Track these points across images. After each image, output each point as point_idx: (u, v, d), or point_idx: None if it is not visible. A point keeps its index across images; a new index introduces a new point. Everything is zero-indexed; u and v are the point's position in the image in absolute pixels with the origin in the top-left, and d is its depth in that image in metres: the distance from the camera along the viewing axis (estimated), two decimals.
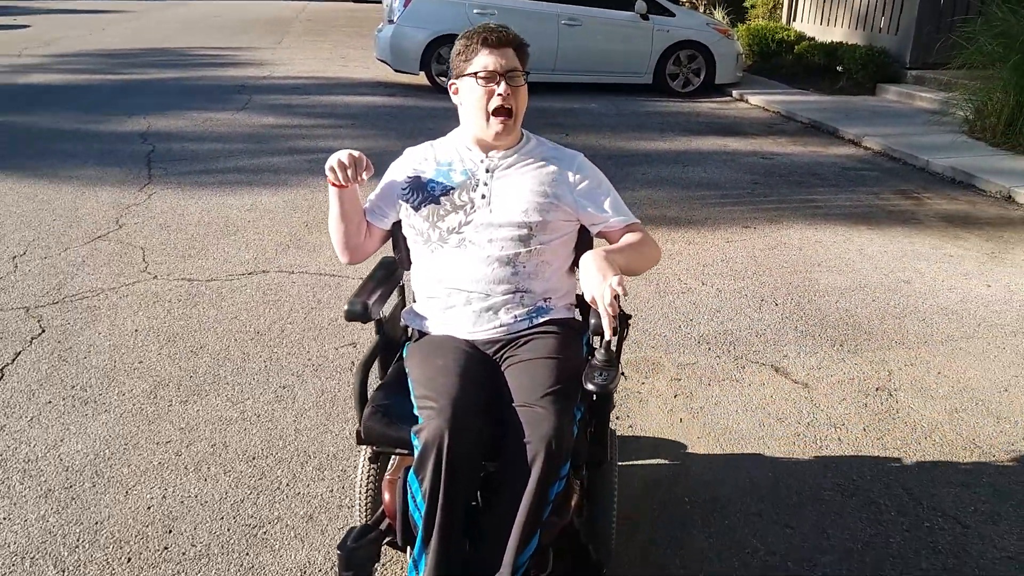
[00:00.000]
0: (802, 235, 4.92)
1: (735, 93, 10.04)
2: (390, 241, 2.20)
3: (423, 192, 2.05)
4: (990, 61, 7.28)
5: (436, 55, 9.37)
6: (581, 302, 2.14)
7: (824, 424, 2.92)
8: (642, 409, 2.98)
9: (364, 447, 2.00)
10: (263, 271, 4.14)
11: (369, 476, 2.07)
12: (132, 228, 4.69)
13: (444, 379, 1.81)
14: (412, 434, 1.74)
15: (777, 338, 3.57)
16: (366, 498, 2.07)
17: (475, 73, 1.97)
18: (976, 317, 3.83)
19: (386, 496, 1.89)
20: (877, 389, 3.17)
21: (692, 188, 5.90)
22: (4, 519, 2.33)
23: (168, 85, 9.47)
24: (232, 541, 2.27)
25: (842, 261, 4.50)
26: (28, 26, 15.77)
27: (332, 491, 2.48)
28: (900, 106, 9.20)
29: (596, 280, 1.77)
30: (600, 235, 2.10)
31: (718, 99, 9.89)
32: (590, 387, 1.74)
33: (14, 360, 3.21)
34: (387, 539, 1.88)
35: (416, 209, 2.05)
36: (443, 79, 9.42)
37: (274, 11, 20.38)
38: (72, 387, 3.03)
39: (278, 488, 2.49)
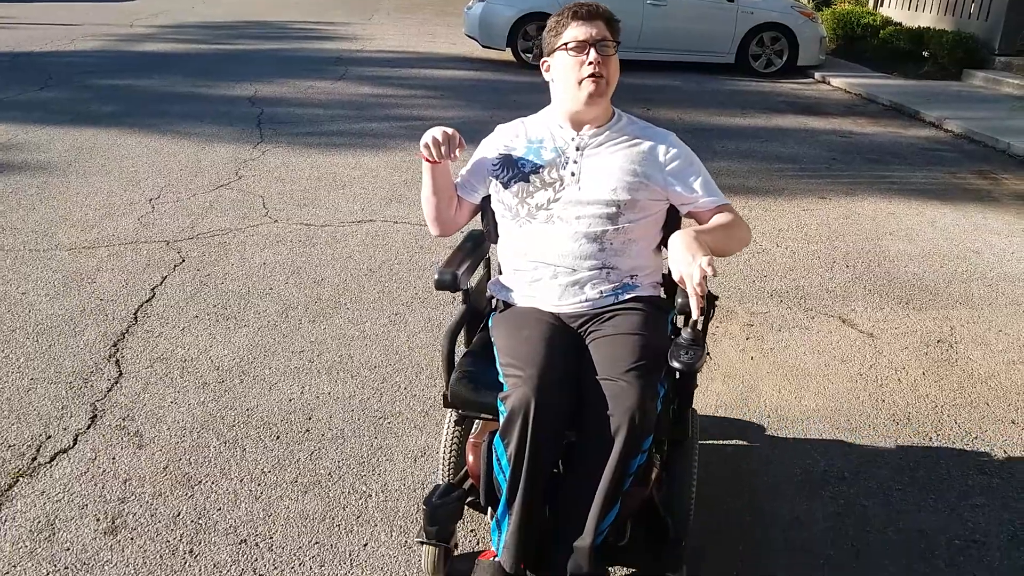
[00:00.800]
0: (876, 207, 5.11)
1: (817, 75, 10.11)
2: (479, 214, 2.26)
3: (514, 168, 2.08)
4: None
5: (523, 32, 9.71)
6: (667, 281, 2.14)
7: (885, 367, 3.18)
8: (716, 347, 3.28)
9: (450, 410, 2.07)
10: (370, 220, 4.56)
11: (453, 438, 2.13)
12: (251, 179, 5.17)
13: (530, 349, 1.85)
14: (499, 400, 1.80)
15: (846, 294, 3.82)
16: (450, 458, 2.14)
17: (565, 44, 1.99)
18: None
19: (470, 458, 2.00)
20: (939, 341, 3.41)
21: (770, 161, 6.12)
22: (172, 403, 2.78)
23: (270, 55, 10.03)
24: (362, 428, 2.67)
25: (913, 231, 4.70)
26: None
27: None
28: (985, 91, 9.16)
29: (685, 260, 1.78)
30: (689, 215, 2.11)
31: (800, 80, 9.98)
32: (676, 365, 1.78)
33: (162, 282, 3.68)
34: (470, 499, 2.00)
35: (506, 185, 2.08)
36: (528, 55, 9.78)
37: None
38: (214, 306, 3.48)
39: (397, 390, 2.89)
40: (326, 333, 3.28)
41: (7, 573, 2.05)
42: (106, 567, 2.08)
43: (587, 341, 1.94)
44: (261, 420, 2.70)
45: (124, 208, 4.59)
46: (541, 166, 2.06)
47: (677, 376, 1.91)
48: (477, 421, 2.08)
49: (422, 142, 1.99)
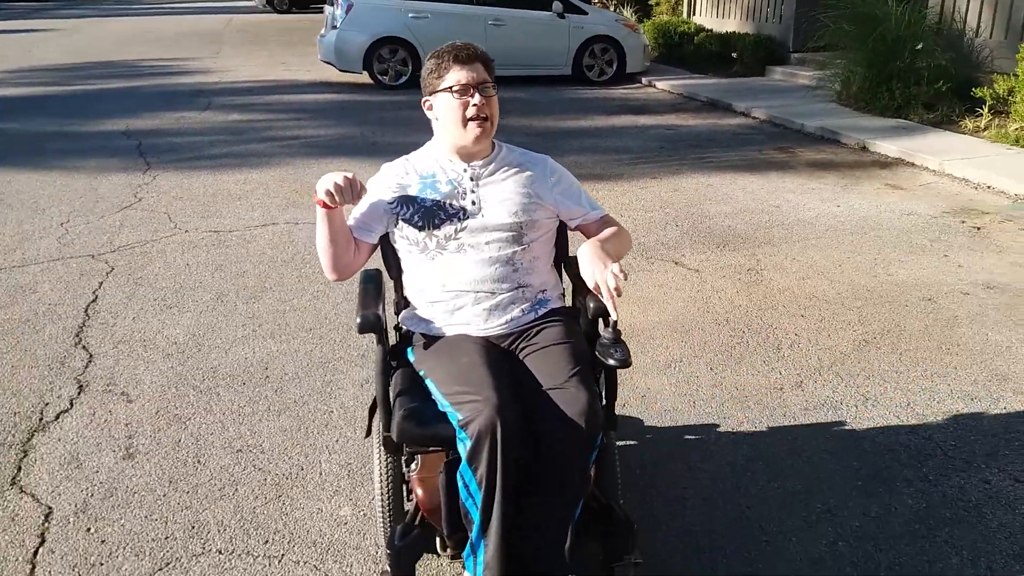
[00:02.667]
0: (697, 181, 6.16)
1: (644, 80, 11.34)
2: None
3: (413, 204, 2.14)
4: (850, 41, 8.70)
5: (377, 55, 10.42)
6: (574, 291, 2.26)
7: (709, 290, 4.12)
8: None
9: (377, 455, 2.15)
10: (273, 223, 5.15)
11: (389, 478, 2.15)
12: (150, 200, 5.63)
13: (477, 373, 1.91)
14: (459, 428, 1.83)
15: (677, 245, 4.77)
16: (389, 499, 2.16)
17: (450, 88, 2.09)
18: (825, 225, 5.11)
19: (419, 492, 2.01)
20: (748, 270, 4.39)
21: (610, 153, 7.10)
22: (144, 370, 3.33)
23: (129, 92, 10.25)
24: (312, 370, 3.32)
25: (728, 196, 5.76)
26: None
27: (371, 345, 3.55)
28: (785, 84, 10.64)
29: (598, 268, 1.95)
30: (578, 228, 2.26)
31: (630, 86, 11.16)
32: (611, 362, 1.88)
33: (100, 287, 4.16)
34: (429, 535, 2.04)
35: (409, 221, 2.14)
36: (383, 76, 10.48)
37: (201, 25, 20.95)
38: (153, 300, 4.01)
39: (334, 343, 3.55)
40: (260, 309, 3.89)
41: (53, 492, 2.58)
42: (134, 479, 2.65)
43: (522, 356, 2.04)
44: (226, 373, 3.30)
45: (39, 232, 4.97)
46: (441, 199, 2.14)
47: (604, 374, 2.05)
48: (416, 458, 2.07)
49: (321, 188, 2.02)
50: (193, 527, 2.43)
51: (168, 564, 2.28)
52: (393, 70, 10.53)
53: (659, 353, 3.46)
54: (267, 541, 2.37)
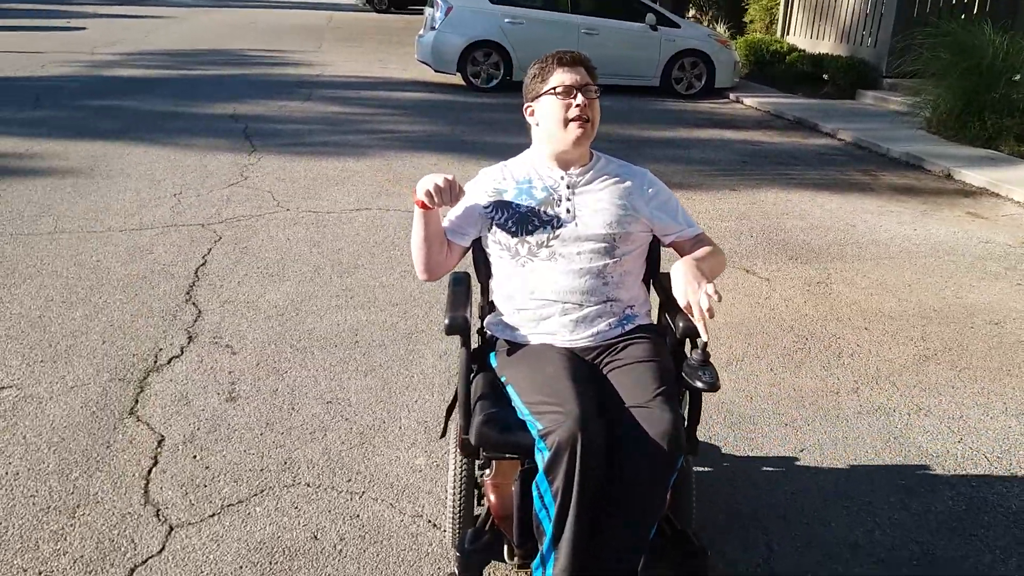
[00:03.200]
0: (776, 196, 6.27)
1: (732, 96, 11.40)
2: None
3: (508, 209, 2.14)
4: (943, 69, 8.63)
5: (471, 58, 10.76)
6: (662, 309, 2.25)
7: (777, 299, 4.26)
8: None
9: (453, 456, 2.17)
10: (367, 208, 5.49)
11: (463, 482, 2.16)
12: (255, 179, 6.04)
13: (561, 384, 1.89)
14: (539, 439, 1.83)
15: (750, 254, 4.91)
16: (460, 502, 2.17)
17: (553, 88, 2.11)
18: (899, 247, 5.17)
19: (492, 498, 2.02)
20: (818, 283, 4.51)
21: (692, 164, 7.25)
22: (248, 327, 3.67)
23: (236, 80, 10.84)
24: (397, 339, 3.61)
25: (805, 212, 5.85)
26: (84, 28, 17.15)
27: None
28: (875, 108, 10.57)
29: (692, 287, 1.92)
30: (672, 245, 2.22)
31: (717, 100, 11.24)
32: (699, 385, 1.86)
33: (209, 252, 4.54)
34: (497, 542, 2.04)
35: (502, 226, 2.14)
36: (476, 79, 10.82)
37: (303, 19, 21.79)
38: (256, 268, 4.37)
39: (418, 317, 3.82)
40: (353, 283, 4.21)
41: (165, 423, 2.92)
42: (235, 419, 2.96)
43: (606, 371, 2.03)
44: (320, 336, 3.62)
45: (154, 201, 5.42)
46: (536, 206, 2.13)
47: (688, 395, 2.05)
48: (492, 463, 2.08)
49: (421, 189, 2.02)
50: (286, 463, 2.72)
51: (263, 491, 2.58)
52: (485, 73, 10.86)
53: (722, 352, 3.63)
54: (350, 480, 2.65)
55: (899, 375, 3.48)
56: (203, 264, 4.37)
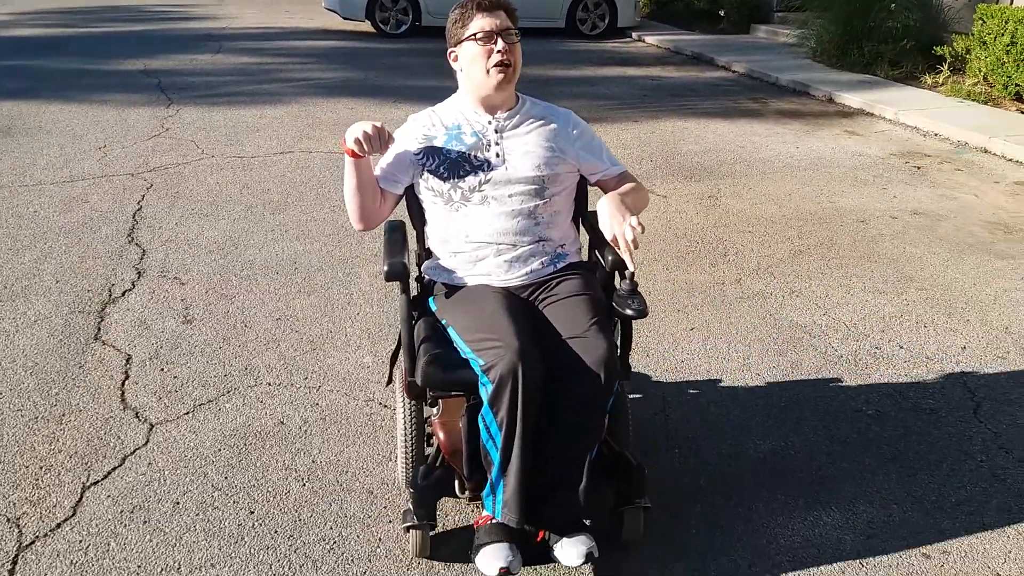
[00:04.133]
0: (674, 125, 6.76)
1: (635, 35, 11.85)
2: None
3: (439, 155, 2.17)
4: (826, 1, 9.23)
5: (379, 4, 10.89)
6: (591, 246, 2.35)
7: (673, 211, 4.76)
8: None
9: (401, 402, 2.24)
10: (290, 151, 5.75)
11: (412, 423, 2.24)
12: (177, 130, 6.20)
13: (499, 320, 1.98)
14: (481, 373, 1.92)
15: (650, 175, 5.39)
16: (411, 443, 2.25)
17: (473, 35, 2.11)
18: (782, 163, 5.73)
19: (441, 436, 2.09)
20: (709, 196, 5.02)
21: (597, 99, 7.68)
22: (192, 261, 3.95)
23: (142, 35, 10.73)
24: (335, 264, 3.95)
25: (699, 137, 6.37)
26: None
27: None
28: (767, 41, 11.18)
29: (616, 220, 2.03)
30: (598, 183, 2.29)
31: (620, 40, 11.68)
32: (629, 312, 1.97)
33: (143, 198, 4.76)
34: (448, 478, 2.12)
35: (434, 172, 2.17)
36: (385, 25, 10.96)
37: None
38: (191, 210, 4.62)
39: (351, 245, 4.16)
40: (286, 219, 4.51)
41: (130, 344, 3.22)
42: (194, 337, 3.28)
43: (541, 307, 2.12)
44: (262, 265, 3.93)
45: (80, 155, 5.56)
46: (465, 151, 2.16)
47: (620, 324, 2.18)
48: (439, 402, 2.18)
49: (350, 137, 2.04)
50: (246, 368, 3.07)
51: (229, 392, 2.93)
52: (394, 19, 11.02)
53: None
54: (307, 378, 3.02)
55: (776, 267, 4.02)
56: (139, 209, 4.60)
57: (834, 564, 2.19)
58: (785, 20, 11.55)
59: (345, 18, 11.18)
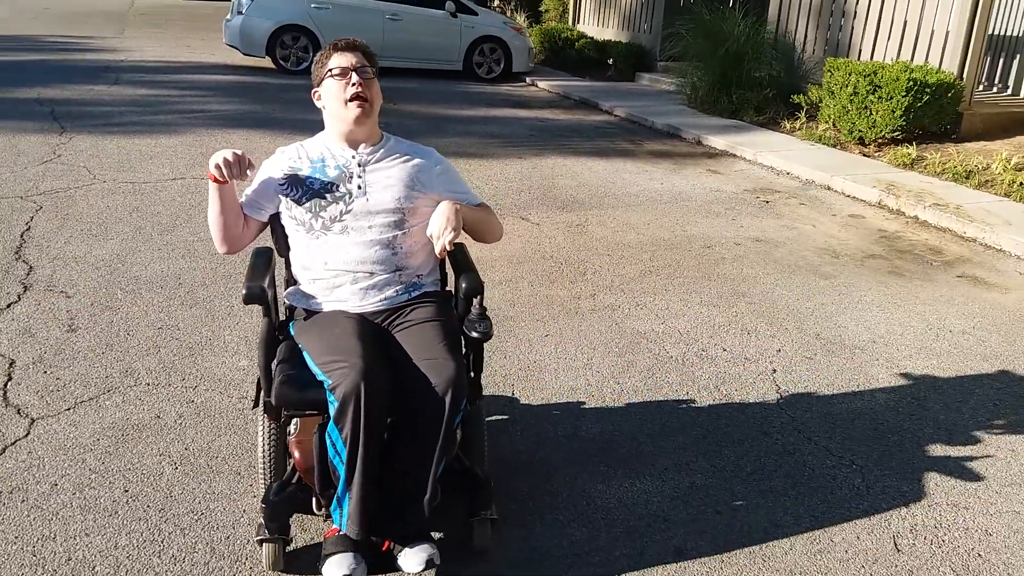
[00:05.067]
0: (555, 162, 7.26)
1: (528, 79, 12.45)
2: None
3: (302, 186, 2.30)
4: (701, 52, 10.02)
5: (280, 41, 11.17)
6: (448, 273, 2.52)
7: (544, 237, 5.19)
8: None
9: (263, 418, 2.31)
10: (182, 177, 5.95)
11: (271, 442, 2.33)
12: (68, 157, 6.31)
13: (347, 342, 2.09)
14: (328, 392, 2.03)
15: (526, 206, 5.82)
16: (271, 462, 2.33)
17: (331, 71, 2.30)
18: (646, 197, 6.27)
19: (296, 454, 2.21)
20: (577, 225, 5.48)
21: (487, 137, 8.14)
22: (79, 277, 4.12)
23: (37, 65, 10.66)
24: (216, 279, 4.19)
25: (576, 173, 6.87)
26: None
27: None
28: (650, 88, 11.95)
29: (441, 223, 2.23)
30: None
31: (515, 84, 12.25)
32: (474, 335, 2.11)
33: (31, 219, 4.89)
34: (305, 496, 2.23)
35: (297, 202, 2.30)
36: (285, 62, 11.23)
37: (103, 4, 20.96)
38: (80, 231, 4.78)
39: (236, 262, 4.39)
40: (174, 239, 4.72)
41: (14, 350, 3.39)
42: (77, 344, 3.47)
43: (394, 332, 2.25)
44: (147, 281, 4.14)
45: None
46: (329, 182, 2.30)
47: (470, 346, 2.32)
48: (295, 422, 2.30)
49: (212, 163, 2.18)
50: (127, 372, 3.29)
51: (109, 391, 3.14)
52: (295, 56, 11.30)
53: (495, 275, 4.48)
54: (184, 379, 3.26)
55: (627, 284, 4.47)
56: (27, 229, 4.73)
57: (640, 519, 2.57)
58: (667, 69, 12.37)
59: (246, 54, 11.40)
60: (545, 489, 2.69)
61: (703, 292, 4.43)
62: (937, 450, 3.07)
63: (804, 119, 8.68)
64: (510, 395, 3.27)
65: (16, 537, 2.34)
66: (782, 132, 8.67)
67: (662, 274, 4.66)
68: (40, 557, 2.27)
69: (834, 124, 8.28)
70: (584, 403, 3.25)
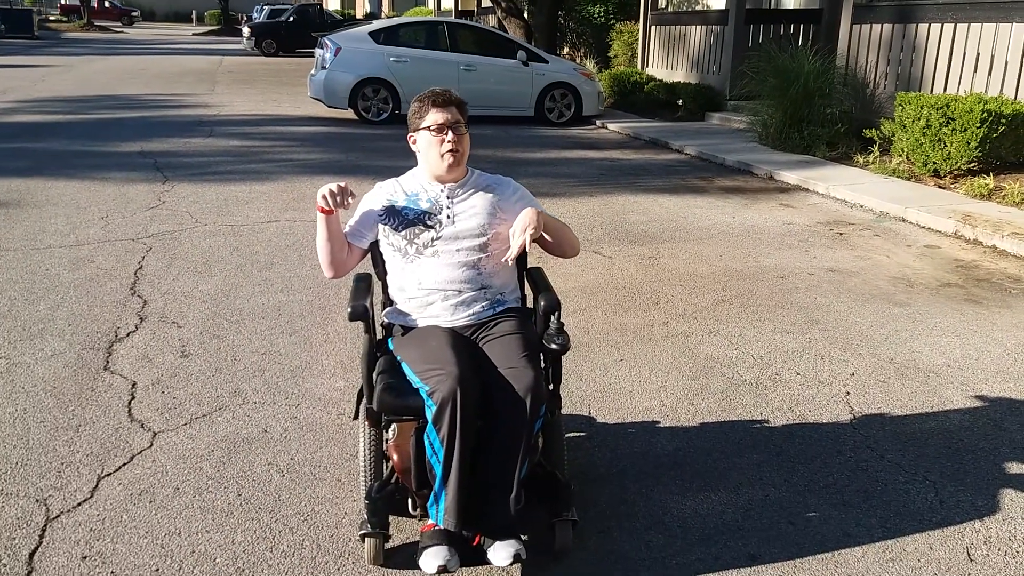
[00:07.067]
0: (625, 199, 7.46)
1: (599, 122, 12.73)
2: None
3: (399, 216, 2.60)
4: (771, 91, 10.13)
5: (361, 94, 11.73)
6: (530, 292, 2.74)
7: (617, 269, 5.37)
8: None
9: (364, 426, 2.54)
10: (276, 220, 6.36)
11: (371, 448, 2.54)
12: (172, 203, 6.81)
13: (442, 352, 2.33)
14: (426, 397, 2.25)
15: (599, 240, 6.03)
16: (371, 465, 2.53)
17: (428, 127, 2.56)
18: (718, 231, 6.40)
19: (394, 456, 2.47)
20: (649, 257, 5.65)
21: (559, 178, 8.40)
22: (188, 308, 4.48)
23: (137, 121, 11.46)
24: (313, 310, 4.50)
25: (646, 209, 7.05)
26: None
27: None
28: (719, 127, 12.08)
29: (523, 222, 2.50)
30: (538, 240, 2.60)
31: (585, 127, 12.54)
32: (553, 347, 2.34)
33: (143, 259, 5.32)
34: (402, 496, 2.50)
35: (395, 229, 2.59)
36: (366, 113, 11.78)
37: (194, 64, 22.28)
38: (187, 268, 5.17)
39: (329, 295, 4.72)
40: (272, 276, 5.08)
41: (135, 373, 3.72)
42: (190, 368, 3.79)
43: (481, 344, 2.48)
44: (250, 312, 4.48)
45: (85, 223, 6.13)
46: (422, 212, 2.59)
47: (549, 359, 2.53)
48: (393, 427, 2.52)
49: (319, 194, 2.48)
50: (235, 392, 3.59)
51: (221, 408, 3.44)
52: (375, 107, 11.84)
53: (570, 304, 4.68)
54: (287, 398, 3.54)
55: (700, 313, 4.61)
56: (140, 268, 5.16)
57: (715, 528, 2.70)
58: (737, 108, 12.49)
59: (330, 106, 12.00)
60: (622, 499, 2.85)
61: (776, 320, 4.53)
62: (1014, 468, 3.11)
63: (877, 153, 8.69)
64: (587, 414, 3.45)
65: (146, 532, 2.61)
66: (855, 166, 8.70)
67: (735, 303, 4.78)
68: (168, 550, 2.54)
69: (908, 157, 8.27)
70: (659, 422, 3.40)
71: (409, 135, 2.67)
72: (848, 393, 3.69)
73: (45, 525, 2.64)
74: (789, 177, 8.27)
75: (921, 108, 7.88)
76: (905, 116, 8.15)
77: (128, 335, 4.14)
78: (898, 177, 8.04)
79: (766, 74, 10.21)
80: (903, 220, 6.79)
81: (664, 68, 15.10)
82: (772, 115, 10.12)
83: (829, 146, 9.30)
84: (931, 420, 3.46)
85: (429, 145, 2.59)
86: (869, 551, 2.60)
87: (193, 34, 43.56)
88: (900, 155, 8.35)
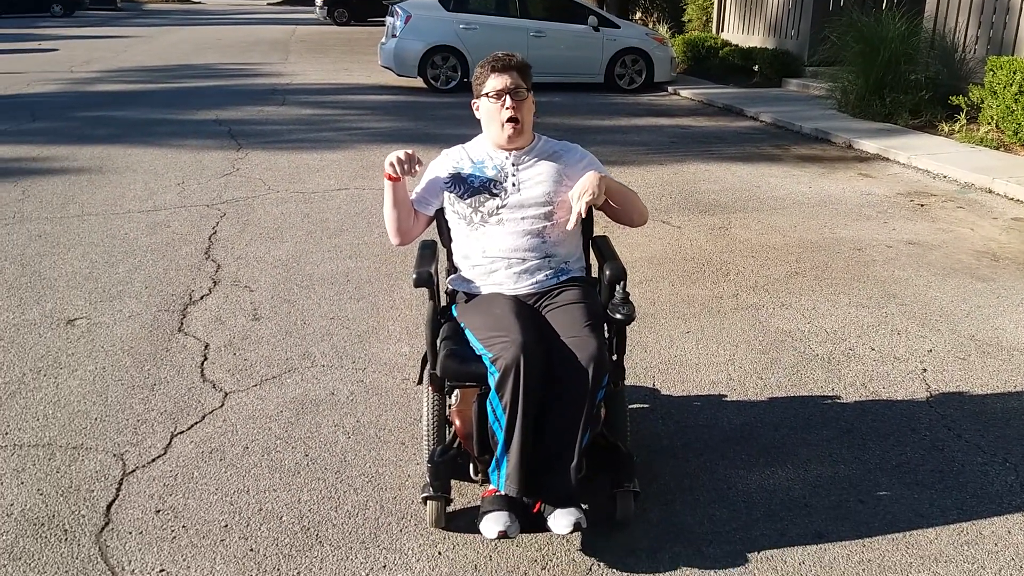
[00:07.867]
0: (696, 167, 7.30)
1: (671, 89, 12.47)
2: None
3: (465, 184, 2.57)
4: (852, 56, 9.74)
5: (431, 62, 11.73)
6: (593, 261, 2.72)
7: (686, 239, 5.27)
8: None
9: (426, 394, 2.54)
10: (346, 188, 6.43)
11: (434, 413, 2.53)
12: (246, 170, 6.94)
13: (507, 320, 2.30)
14: (490, 364, 2.23)
15: (668, 210, 5.92)
16: (434, 430, 2.52)
17: (487, 93, 2.53)
18: (793, 200, 6.21)
19: (457, 422, 2.47)
20: (720, 227, 5.53)
21: (628, 145, 8.27)
22: (260, 273, 4.58)
23: (213, 90, 11.70)
24: (380, 277, 4.54)
25: (719, 179, 6.89)
26: (56, 49, 17.85)
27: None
28: (797, 93, 11.70)
29: (584, 185, 2.43)
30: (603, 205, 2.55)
31: (656, 94, 12.31)
32: (618, 316, 2.30)
33: (217, 224, 5.45)
34: (464, 461, 2.51)
35: (460, 197, 2.56)
36: (435, 81, 11.78)
37: (268, 33, 22.62)
38: (259, 234, 5.28)
39: (396, 262, 4.75)
40: (341, 242, 5.14)
41: (208, 335, 3.82)
42: (261, 331, 3.87)
43: (544, 312, 2.44)
44: (319, 278, 4.54)
45: (162, 189, 6.31)
46: (488, 180, 2.55)
47: (613, 329, 2.51)
48: (456, 393, 2.53)
49: (387, 161, 2.46)
50: (304, 355, 3.65)
51: (290, 371, 3.50)
52: (444, 75, 11.83)
53: (636, 275, 4.61)
54: (354, 362, 3.58)
55: (771, 285, 4.49)
56: (214, 233, 5.28)
57: (781, 504, 2.64)
58: (816, 74, 12.07)
59: (399, 75, 12.04)
60: (685, 472, 2.81)
61: (852, 293, 4.39)
62: None
63: (964, 121, 8.29)
64: (651, 386, 3.40)
65: (216, 488, 2.69)
66: (939, 135, 8.32)
67: (808, 275, 4.65)
68: (236, 507, 2.61)
69: (997, 125, 7.88)
70: (725, 396, 3.34)
71: (472, 101, 2.66)
72: (925, 370, 3.55)
73: (121, 479, 2.74)
74: (869, 146, 7.97)
75: (1014, 73, 7.48)
76: (996, 82, 7.75)
77: (202, 298, 4.25)
78: (986, 146, 7.67)
79: (848, 38, 9.82)
80: (990, 191, 6.48)
81: (740, 33, 14.67)
82: (853, 81, 9.75)
83: (912, 114, 8.92)
84: (1014, 400, 3.31)
85: (489, 112, 2.56)
86: (943, 533, 2.51)
87: (268, 3, 44.20)
88: (989, 123, 7.96)
